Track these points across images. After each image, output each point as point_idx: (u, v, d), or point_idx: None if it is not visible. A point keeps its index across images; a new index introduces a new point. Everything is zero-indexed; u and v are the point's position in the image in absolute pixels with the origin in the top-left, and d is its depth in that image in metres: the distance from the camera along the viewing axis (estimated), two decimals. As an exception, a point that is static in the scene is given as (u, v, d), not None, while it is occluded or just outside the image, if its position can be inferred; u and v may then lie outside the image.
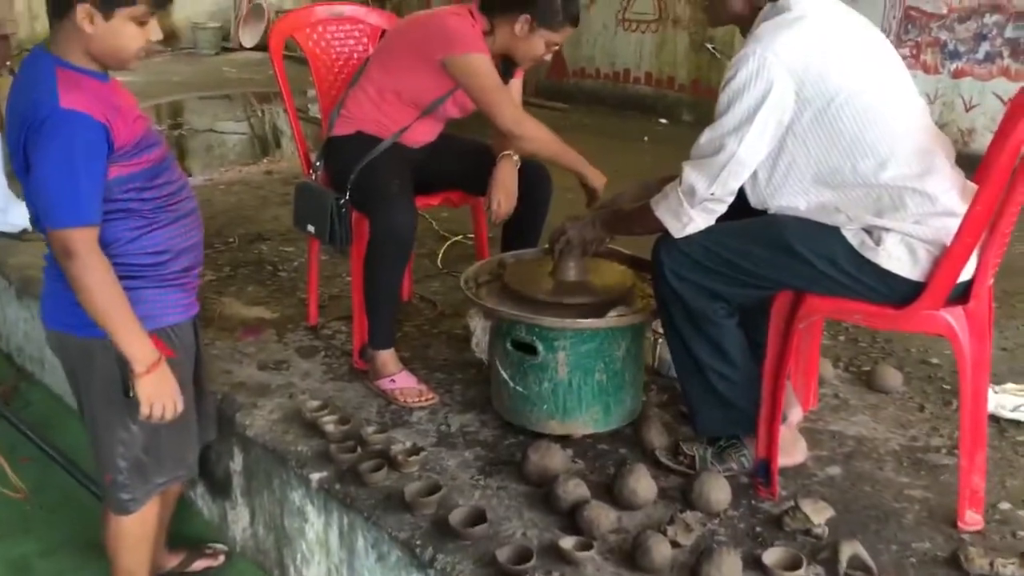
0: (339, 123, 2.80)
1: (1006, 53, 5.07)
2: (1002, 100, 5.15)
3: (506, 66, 2.75)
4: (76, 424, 3.36)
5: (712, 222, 2.07)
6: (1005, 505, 2.15)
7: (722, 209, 2.06)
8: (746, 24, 2.11)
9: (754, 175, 2.05)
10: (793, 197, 2.04)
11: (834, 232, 1.99)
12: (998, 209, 1.87)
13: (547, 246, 2.53)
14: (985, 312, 2.03)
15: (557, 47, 2.73)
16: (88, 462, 2.55)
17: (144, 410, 1.94)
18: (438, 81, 2.66)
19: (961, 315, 1.98)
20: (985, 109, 5.23)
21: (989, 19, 5.10)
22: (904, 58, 5.41)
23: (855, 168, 1.97)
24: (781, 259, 2.01)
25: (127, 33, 1.84)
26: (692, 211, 2.05)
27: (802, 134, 1.98)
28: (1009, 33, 5.07)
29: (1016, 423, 2.51)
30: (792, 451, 2.28)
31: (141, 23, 1.84)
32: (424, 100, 2.72)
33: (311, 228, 2.76)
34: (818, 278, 2.00)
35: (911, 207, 1.94)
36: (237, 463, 2.63)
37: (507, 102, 2.64)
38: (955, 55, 5.31)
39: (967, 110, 5.30)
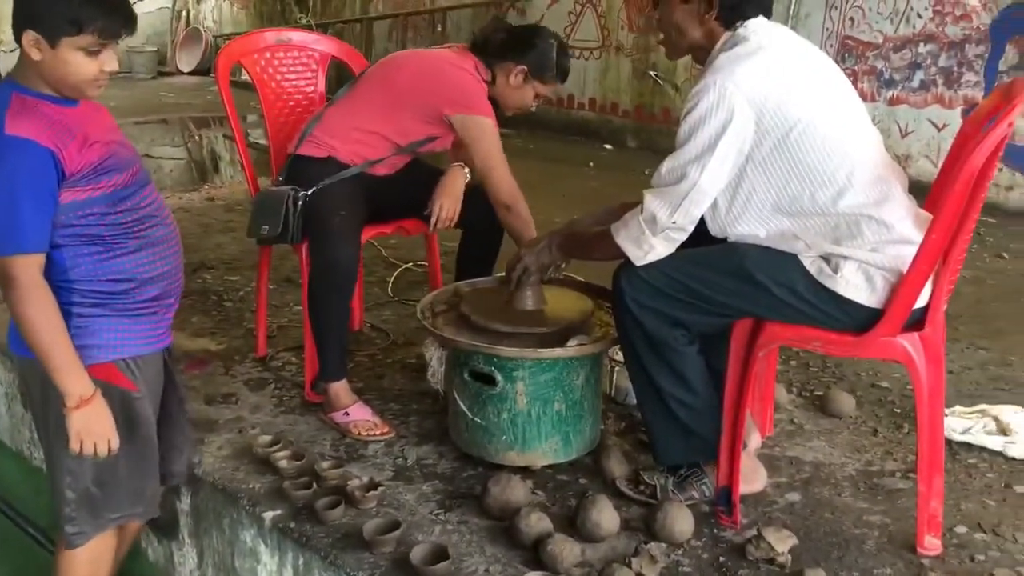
0: (309, 143, 2.73)
1: (940, 81, 5.23)
2: (936, 127, 5.31)
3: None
4: (10, 462, 3.24)
5: (672, 250, 2.07)
6: (962, 529, 2.18)
7: (682, 237, 2.06)
8: (703, 55, 2.13)
9: (714, 204, 2.06)
10: (753, 225, 2.05)
11: (792, 260, 2.00)
12: (951, 237, 1.90)
13: (503, 275, 2.51)
14: (940, 338, 2.06)
15: (541, 100, 2.81)
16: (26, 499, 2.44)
17: (73, 445, 1.86)
18: (430, 128, 2.69)
19: (917, 341, 2.00)
20: (920, 136, 5.38)
21: (923, 48, 5.26)
22: (842, 86, 5.57)
23: (813, 197, 1.98)
24: (741, 287, 2.02)
25: (75, 62, 1.77)
26: (653, 239, 2.04)
27: (762, 163, 2.00)
28: (942, 62, 5.24)
29: (967, 446, 2.55)
30: (752, 478, 2.28)
31: (91, 53, 1.78)
32: (405, 141, 2.71)
33: (265, 228, 2.66)
34: (777, 305, 2.01)
35: (868, 235, 1.96)
36: (184, 502, 2.54)
37: (506, 172, 2.68)
38: (891, 83, 5.46)
39: (903, 136, 5.45)
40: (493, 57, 2.70)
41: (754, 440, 2.35)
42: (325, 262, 2.52)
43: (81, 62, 1.77)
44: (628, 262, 2.10)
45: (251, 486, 2.34)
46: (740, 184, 2.02)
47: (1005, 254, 4.35)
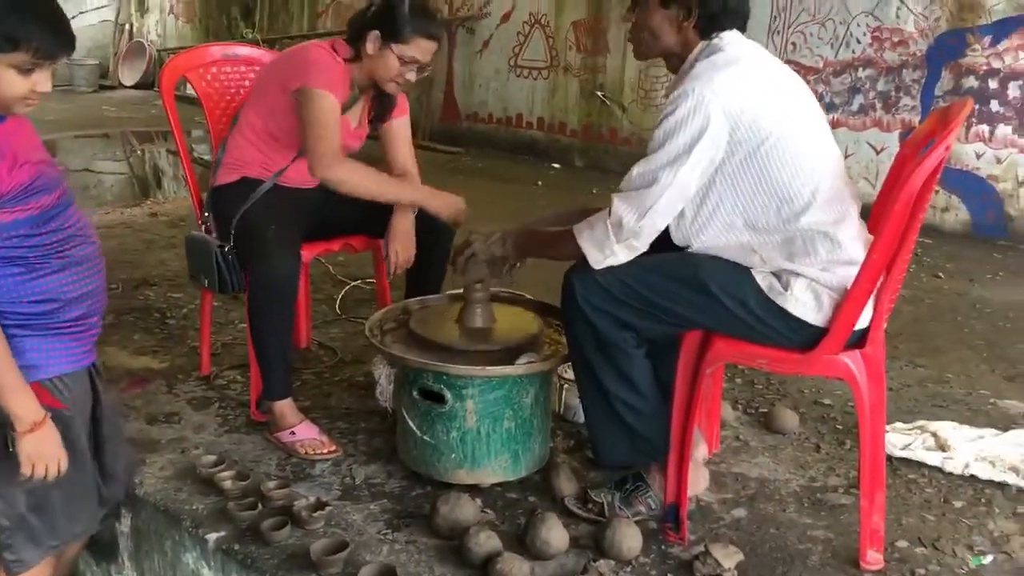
0: (222, 171, 2.74)
1: (879, 105, 5.38)
2: (875, 149, 5.45)
3: (383, 103, 2.74)
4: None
5: (630, 259, 2.07)
6: (903, 543, 2.22)
7: (643, 247, 2.07)
8: (675, 61, 2.15)
9: (681, 212, 2.07)
10: (716, 236, 2.07)
11: (746, 274, 2.03)
12: (892, 257, 1.94)
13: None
14: (880, 356, 2.11)
15: (418, 64, 2.60)
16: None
17: (25, 470, 1.81)
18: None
19: (859, 359, 2.04)
20: (860, 158, 5.52)
21: (862, 73, 5.41)
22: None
23: (778, 211, 2.01)
24: (694, 297, 2.04)
25: (5, 79, 1.70)
26: (616, 245, 2.04)
27: (732, 175, 2.01)
28: (881, 87, 5.39)
29: (907, 461, 2.60)
30: (696, 482, 2.30)
31: (24, 71, 1.71)
32: (292, 137, 2.66)
33: (204, 280, 2.69)
34: (727, 318, 2.04)
35: (822, 253, 2.00)
36: (124, 524, 2.47)
37: (327, 143, 2.53)
38: (831, 107, 5.59)
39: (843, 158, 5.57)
40: (355, 35, 2.61)
41: (701, 450, 2.38)
42: (263, 276, 2.49)
43: (12, 80, 1.70)
44: (582, 262, 2.11)
45: (194, 507, 2.30)
46: (708, 195, 2.04)
47: (941, 274, 4.47)
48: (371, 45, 2.56)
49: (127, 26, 10.79)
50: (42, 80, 1.75)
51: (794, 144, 2.00)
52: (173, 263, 4.11)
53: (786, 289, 2.00)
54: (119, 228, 4.81)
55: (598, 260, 2.06)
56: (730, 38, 2.08)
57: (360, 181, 2.57)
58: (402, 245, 2.69)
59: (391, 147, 2.83)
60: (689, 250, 2.12)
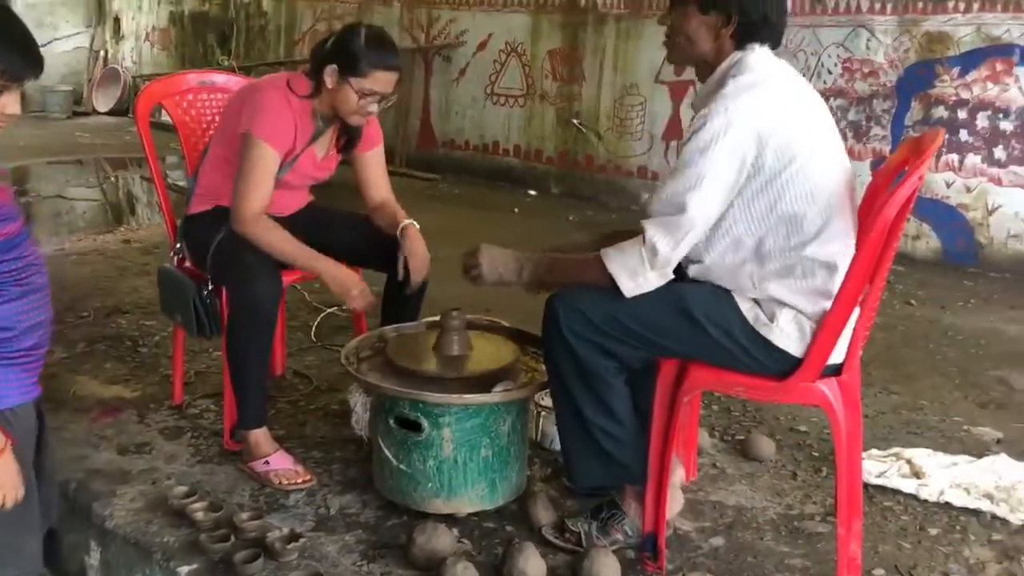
0: (196, 200, 2.73)
1: (850, 135, 5.45)
2: (847, 178, 5.51)
3: (351, 132, 2.71)
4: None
5: (661, 284, 2.04)
6: (879, 571, 2.22)
7: (671, 274, 2.04)
8: (706, 70, 2.12)
9: None
10: (723, 254, 2.06)
11: (730, 303, 2.03)
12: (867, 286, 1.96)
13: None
14: (857, 383, 2.12)
15: (380, 97, 2.54)
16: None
17: None
18: None
19: (835, 387, 2.05)
20: (832, 186, 5.57)
21: (834, 103, 5.48)
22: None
23: (787, 237, 2.00)
24: (680, 326, 2.03)
25: None
26: (651, 272, 2.00)
27: (749, 198, 2.00)
28: (852, 116, 5.46)
29: (882, 488, 2.61)
30: (671, 506, 2.29)
31: None
32: None
33: (178, 318, 2.67)
34: (711, 347, 2.03)
35: (819, 281, 1.99)
36: (94, 557, 2.42)
37: (249, 200, 2.50)
38: (804, 136, 5.64)
39: (816, 187, 5.63)
40: (317, 64, 2.56)
41: (678, 474, 2.37)
42: (244, 300, 2.47)
43: None
44: (566, 290, 2.10)
45: (165, 539, 2.26)
46: (724, 215, 2.03)
47: (913, 301, 4.52)
48: (329, 79, 2.52)
49: (102, 52, 10.75)
50: (10, 102, 1.73)
51: (813, 173, 1.98)
52: (146, 291, 4.06)
53: (771, 320, 2.00)
54: (92, 255, 4.76)
55: (629, 288, 2.02)
56: (760, 56, 2.06)
57: (272, 243, 2.52)
58: (422, 262, 2.65)
59: (366, 178, 2.81)
60: (697, 265, 2.11)
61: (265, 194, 2.53)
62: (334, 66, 2.51)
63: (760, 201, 2.00)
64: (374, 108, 2.58)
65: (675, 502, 2.32)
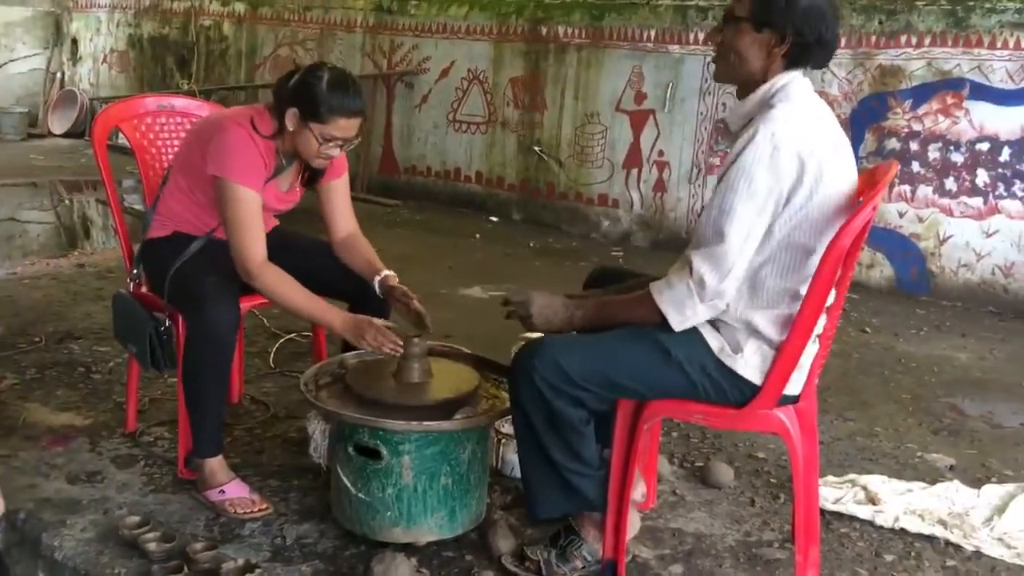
0: (154, 225, 2.69)
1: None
2: (803, 208, 5.60)
3: (313, 171, 2.68)
4: None
5: (711, 317, 2.01)
6: (837, 597, 2.24)
7: (723, 306, 2.00)
8: (747, 89, 2.08)
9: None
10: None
11: (698, 337, 2.03)
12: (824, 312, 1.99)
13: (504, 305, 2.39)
14: (813, 410, 2.15)
15: (341, 142, 2.50)
16: None
17: None
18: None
19: (792, 414, 2.07)
20: (789, 215, 5.65)
21: (790, 134, 5.57)
22: (714, 167, 5.85)
23: (789, 268, 1.99)
24: (662, 371, 2.03)
25: None
26: (700, 306, 1.96)
27: (773, 224, 1.98)
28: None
29: (839, 515, 2.63)
30: (630, 527, 2.29)
31: None
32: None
33: (132, 348, 2.63)
34: (687, 385, 2.04)
35: (789, 309, 2.00)
36: (41, 590, 2.36)
37: (250, 242, 2.46)
38: (761, 165, 5.73)
39: (773, 216, 5.71)
40: (278, 107, 2.50)
41: (639, 490, 2.38)
42: (202, 327, 2.44)
43: None
44: (542, 341, 2.09)
45: (116, 571, 2.21)
46: None
47: (868, 328, 4.59)
48: (290, 122, 2.47)
49: (59, 74, 10.62)
50: None
51: (829, 207, 1.96)
52: (100, 316, 3.99)
53: (736, 352, 2.01)
54: (44, 279, 4.67)
55: (678, 321, 1.99)
56: (804, 86, 2.04)
57: (286, 294, 2.48)
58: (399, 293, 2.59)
59: (330, 208, 2.77)
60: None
61: (262, 237, 2.50)
62: (295, 110, 2.46)
63: (780, 230, 1.98)
64: (336, 152, 2.54)
65: (633, 526, 2.32)
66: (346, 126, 2.48)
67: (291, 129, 2.49)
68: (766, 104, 2.02)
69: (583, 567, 2.24)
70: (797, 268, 2.00)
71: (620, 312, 2.11)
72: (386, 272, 2.64)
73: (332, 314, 2.49)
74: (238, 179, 2.45)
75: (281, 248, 2.73)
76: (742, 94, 2.10)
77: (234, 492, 2.49)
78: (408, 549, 2.29)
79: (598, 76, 6.38)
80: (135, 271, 2.76)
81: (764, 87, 2.05)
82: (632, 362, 2.05)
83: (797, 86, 2.04)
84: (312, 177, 2.72)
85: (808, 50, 2.03)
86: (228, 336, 2.47)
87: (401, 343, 2.39)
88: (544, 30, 6.63)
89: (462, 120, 7.10)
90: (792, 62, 2.04)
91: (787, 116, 1.96)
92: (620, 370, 2.04)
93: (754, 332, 2.02)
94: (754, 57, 2.04)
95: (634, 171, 6.25)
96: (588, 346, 2.06)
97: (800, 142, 1.93)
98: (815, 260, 1.97)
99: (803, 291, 1.99)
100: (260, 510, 2.46)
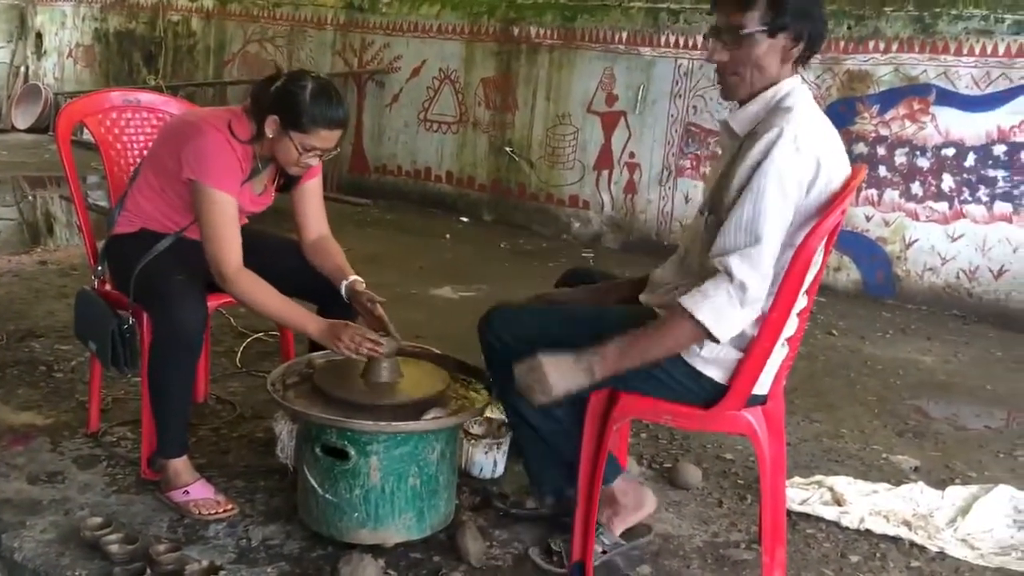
0: (121, 221, 2.65)
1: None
2: (772, 211, 5.64)
3: (288, 176, 2.65)
4: None
5: (749, 323, 1.97)
6: (803, 597, 2.25)
7: (759, 309, 1.95)
8: (754, 94, 2.03)
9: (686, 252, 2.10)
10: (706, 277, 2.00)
11: None
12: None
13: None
14: (781, 412, 2.16)
15: (320, 152, 2.48)
16: None
17: None
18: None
19: (760, 415, 2.08)
20: (757, 218, 5.69)
21: (759, 138, 5.61)
22: (684, 169, 5.88)
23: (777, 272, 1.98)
24: None
25: None
26: (742, 310, 1.90)
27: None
28: (776, 151, 5.59)
29: (805, 516, 2.65)
30: (641, 503, 2.37)
31: None
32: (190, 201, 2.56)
33: (92, 346, 2.58)
34: (641, 375, 2.03)
35: (768, 306, 1.99)
36: (-1, 592, 2.32)
37: (226, 248, 2.43)
38: (730, 168, 5.77)
39: (742, 219, 5.75)
40: (256, 112, 2.48)
41: (634, 471, 2.41)
42: (169, 325, 2.41)
43: None
44: (497, 308, 2.13)
45: (77, 573, 2.17)
46: None
47: (834, 331, 4.63)
48: (270, 129, 2.44)
49: (23, 68, 10.45)
50: None
51: (819, 207, 1.95)
52: (63, 314, 3.93)
53: (699, 348, 2.02)
54: (6, 277, 4.59)
55: (723, 331, 1.90)
56: (795, 86, 2.03)
57: (261, 300, 2.45)
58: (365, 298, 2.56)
59: (302, 210, 2.74)
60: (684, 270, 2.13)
61: (238, 242, 2.47)
62: (275, 117, 2.44)
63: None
64: (314, 161, 2.52)
65: (649, 502, 2.39)
66: (327, 137, 2.46)
67: (270, 136, 2.46)
68: (778, 107, 1.99)
69: (603, 552, 2.27)
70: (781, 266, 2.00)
71: (649, 344, 1.97)
72: (353, 277, 2.62)
73: (307, 320, 2.47)
74: (215, 184, 2.42)
75: (251, 248, 2.70)
76: (744, 100, 2.05)
77: (199, 493, 2.46)
78: (376, 551, 2.27)
79: (570, 77, 6.39)
80: (99, 267, 2.72)
81: (771, 91, 2.02)
82: (581, 341, 2.02)
83: (804, 91, 2.03)
84: (287, 183, 2.69)
85: (816, 44, 2.01)
86: (195, 335, 2.44)
87: (380, 342, 2.37)
88: (516, 30, 6.63)
89: (433, 120, 7.08)
90: (800, 63, 2.03)
91: (806, 119, 1.95)
92: (569, 347, 2.01)
93: None
94: (772, 64, 2.00)
95: (605, 173, 6.27)
96: (543, 315, 2.11)
97: (818, 145, 1.94)
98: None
99: (773, 291, 2.00)
100: (225, 511, 2.43)
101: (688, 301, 1.91)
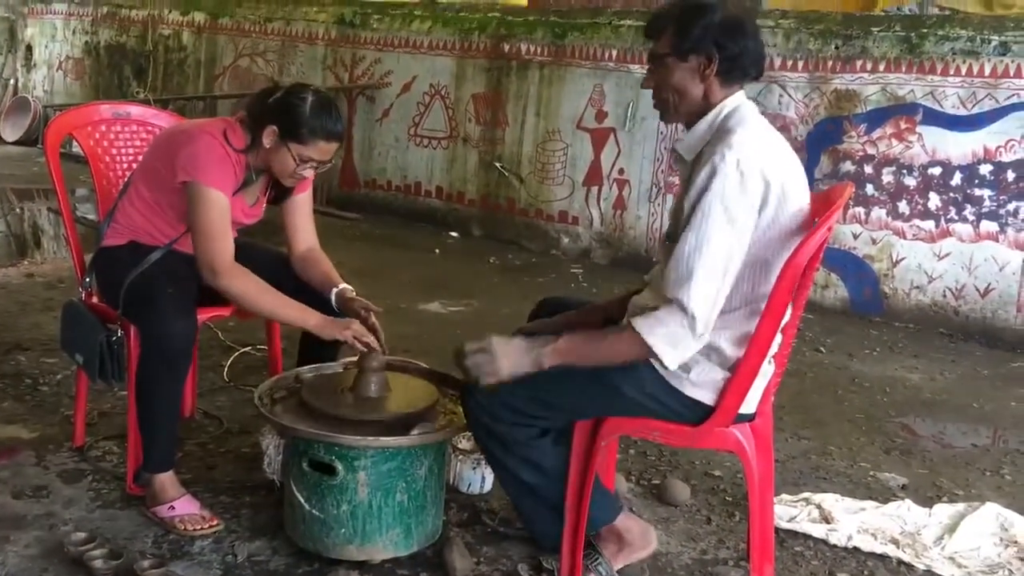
0: (109, 233, 2.64)
1: (763, 186, 5.61)
2: (760, 228, 5.67)
3: (280, 189, 2.66)
4: None
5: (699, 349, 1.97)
6: (791, 615, 2.25)
7: (708, 337, 1.96)
8: (697, 117, 2.08)
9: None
10: None
11: (640, 361, 2.02)
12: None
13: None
14: (769, 429, 2.16)
15: (316, 164, 2.50)
16: None
17: None
18: (185, 197, 2.52)
19: (748, 432, 2.08)
20: (746, 235, 5.72)
21: (748, 155, 5.64)
22: (673, 186, 5.90)
23: (753, 287, 2.00)
24: (598, 393, 2.06)
25: None
26: (694, 341, 1.93)
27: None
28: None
29: (793, 533, 2.65)
30: (646, 542, 2.34)
31: None
32: (182, 211, 2.56)
33: (79, 358, 2.57)
34: (628, 405, 2.05)
35: (747, 327, 2.00)
36: (-19, 608, 2.29)
37: (218, 247, 2.43)
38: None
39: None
40: (256, 120, 2.49)
41: (620, 484, 2.45)
42: (158, 339, 2.39)
43: None
44: (477, 384, 2.07)
45: (60, 589, 2.15)
46: None
47: (822, 348, 4.64)
48: (267, 139, 2.46)
49: (12, 81, 10.44)
50: None
51: (788, 220, 1.97)
52: (49, 327, 3.91)
53: (685, 372, 2.02)
54: (-8, 289, 4.57)
55: (674, 358, 1.93)
56: (752, 107, 2.06)
57: (257, 295, 2.46)
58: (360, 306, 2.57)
59: (291, 221, 2.75)
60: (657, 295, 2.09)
61: (230, 240, 2.47)
62: (274, 127, 2.45)
63: (747, 251, 1.96)
64: (309, 173, 2.54)
65: (648, 542, 2.36)
66: (325, 149, 2.48)
67: (267, 146, 2.47)
68: (721, 129, 2.02)
69: None
70: (757, 285, 2.01)
71: (599, 349, 2.02)
72: (343, 285, 2.62)
73: (307, 313, 2.47)
74: (210, 182, 2.43)
75: (240, 259, 2.69)
76: (690, 123, 2.10)
77: (184, 508, 2.44)
78: (362, 567, 2.26)
79: (560, 94, 6.42)
80: (87, 279, 2.71)
81: (712, 112, 2.05)
82: (568, 386, 2.06)
83: (748, 109, 2.05)
84: (279, 195, 2.69)
85: (737, 62, 2.03)
86: (184, 349, 2.43)
87: (379, 341, 2.39)
88: (506, 47, 6.66)
89: (423, 135, 7.10)
90: (728, 79, 2.04)
91: (747, 139, 1.96)
92: (557, 394, 2.07)
93: (709, 353, 2.02)
94: (690, 86, 2.04)
95: (594, 188, 6.28)
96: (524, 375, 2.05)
97: (763, 164, 1.94)
98: (774, 273, 1.97)
99: (760, 309, 2.00)
100: (211, 527, 2.42)
101: (642, 324, 1.94)
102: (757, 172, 1.92)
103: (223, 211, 2.46)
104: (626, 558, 2.30)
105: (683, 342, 1.92)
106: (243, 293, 2.45)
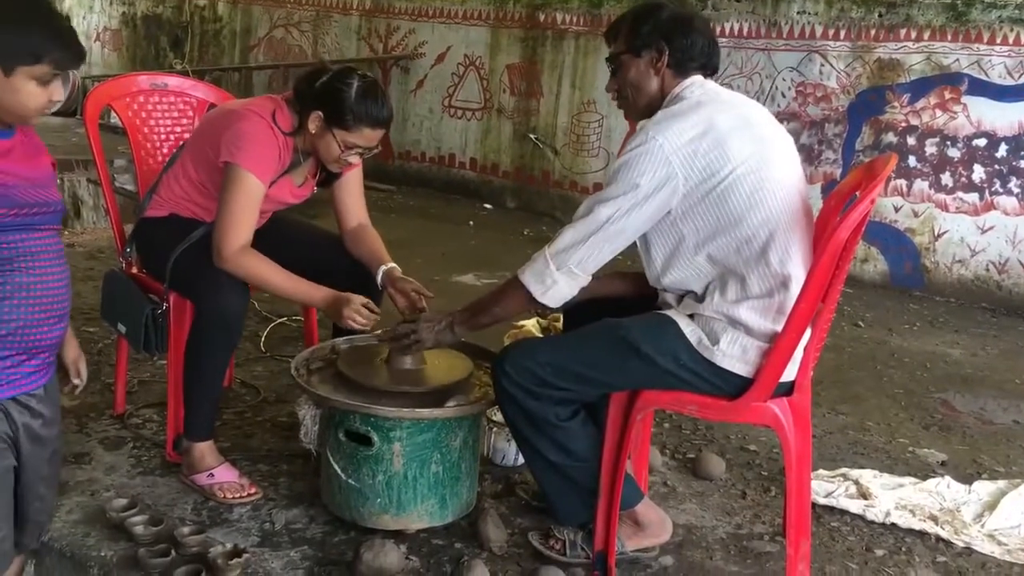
0: (152, 205, 2.65)
1: (801, 158, 5.51)
2: (798, 200, 5.59)
3: (329, 172, 2.65)
4: None
5: (574, 291, 2.08)
6: (827, 591, 2.23)
7: (584, 281, 2.08)
8: (656, 108, 2.15)
9: (649, 254, 2.12)
10: (682, 272, 2.08)
11: (674, 329, 2.03)
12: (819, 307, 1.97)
13: (382, 331, 2.45)
14: (807, 404, 2.13)
15: (362, 150, 2.49)
16: None
17: None
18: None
19: (786, 407, 2.06)
20: (784, 208, 5.64)
21: (786, 126, 5.54)
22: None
23: (739, 251, 2.01)
24: (627, 362, 2.04)
25: (26, 91, 1.73)
26: (557, 273, 2.05)
27: (691, 212, 2.02)
28: (804, 140, 5.55)
29: (830, 509, 2.63)
30: (661, 530, 2.32)
31: (44, 83, 1.74)
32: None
33: (122, 328, 2.59)
34: (661, 375, 2.04)
35: (775, 300, 1.99)
36: (28, 572, 2.33)
37: (235, 234, 2.40)
38: (757, 157, 5.71)
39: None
40: (300, 105, 2.48)
41: (655, 458, 2.42)
42: (213, 311, 2.41)
43: (33, 91, 1.75)
44: (510, 351, 2.11)
45: (103, 554, 2.19)
46: (670, 232, 2.06)
47: (861, 323, 4.59)
48: (313, 125, 2.44)
49: (51, 51, 10.58)
50: (57, 90, 1.80)
51: (752, 181, 1.99)
52: (89, 296, 3.96)
53: (714, 344, 2.00)
54: (34, 258, 4.63)
55: (540, 292, 2.07)
56: (696, 83, 2.13)
57: (261, 276, 2.44)
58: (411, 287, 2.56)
59: (342, 201, 2.74)
60: (661, 290, 2.16)
61: (250, 227, 2.46)
62: (319, 113, 2.43)
63: (705, 214, 2.02)
64: (355, 159, 2.53)
65: (665, 528, 2.33)
66: (371, 136, 2.47)
67: (313, 131, 2.46)
68: (666, 108, 2.11)
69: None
70: (746, 247, 2.01)
71: (490, 302, 2.20)
72: (391, 264, 2.62)
73: (314, 290, 2.48)
74: (248, 166, 2.41)
75: (284, 239, 2.70)
76: (647, 115, 2.17)
77: (223, 476, 2.47)
78: (398, 536, 2.27)
79: (595, 64, 6.35)
80: (127, 250, 2.73)
81: (667, 98, 2.14)
82: (599, 357, 2.06)
83: (689, 90, 2.12)
84: (327, 179, 2.70)
85: (687, 53, 2.13)
86: (238, 320, 2.45)
87: (368, 322, 2.41)
88: (542, 16, 6.60)
89: (457, 106, 7.07)
90: (680, 70, 2.13)
91: (668, 117, 2.04)
92: (588, 366, 2.07)
93: (734, 323, 2.01)
94: (646, 80, 2.15)
95: (630, 160, 6.22)
96: (555, 345, 2.10)
97: (677, 140, 1.98)
98: (758, 234, 1.99)
99: (793, 279, 1.99)
100: (249, 495, 2.45)
101: (522, 268, 2.11)
102: (665, 146, 1.98)
103: (252, 198, 2.44)
104: (639, 542, 2.29)
105: (548, 275, 2.06)
106: (250, 272, 2.43)
